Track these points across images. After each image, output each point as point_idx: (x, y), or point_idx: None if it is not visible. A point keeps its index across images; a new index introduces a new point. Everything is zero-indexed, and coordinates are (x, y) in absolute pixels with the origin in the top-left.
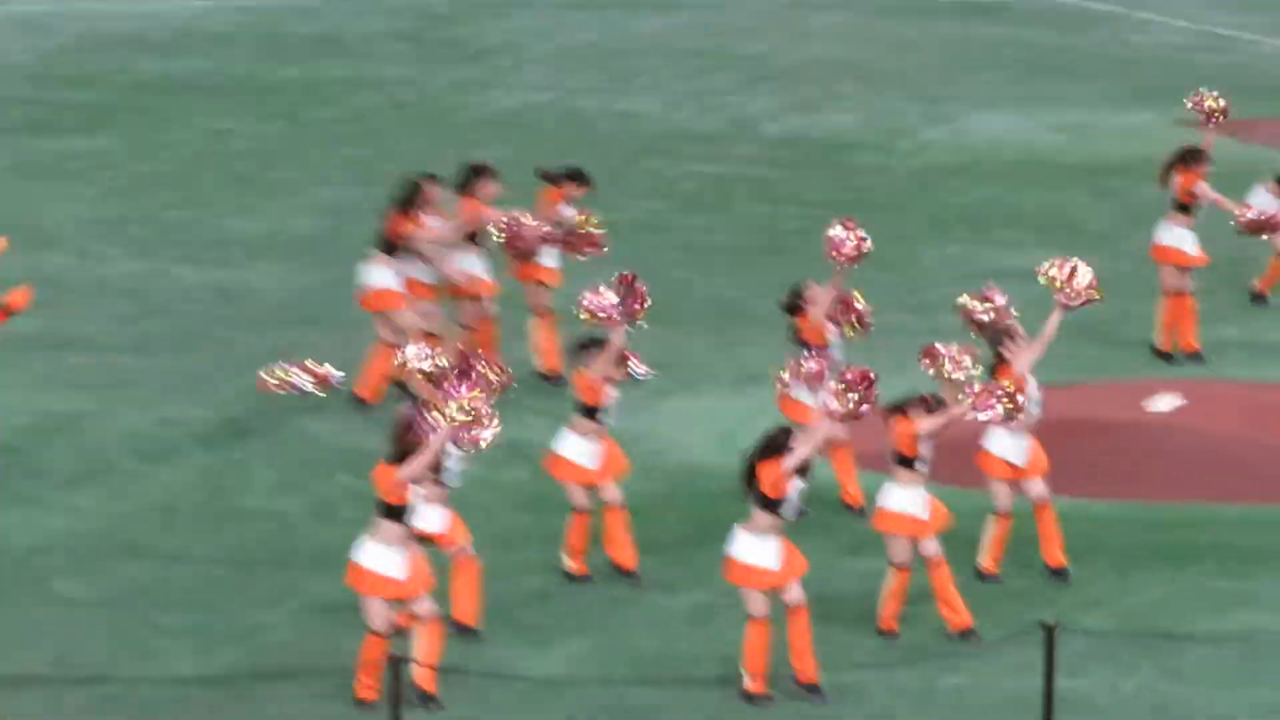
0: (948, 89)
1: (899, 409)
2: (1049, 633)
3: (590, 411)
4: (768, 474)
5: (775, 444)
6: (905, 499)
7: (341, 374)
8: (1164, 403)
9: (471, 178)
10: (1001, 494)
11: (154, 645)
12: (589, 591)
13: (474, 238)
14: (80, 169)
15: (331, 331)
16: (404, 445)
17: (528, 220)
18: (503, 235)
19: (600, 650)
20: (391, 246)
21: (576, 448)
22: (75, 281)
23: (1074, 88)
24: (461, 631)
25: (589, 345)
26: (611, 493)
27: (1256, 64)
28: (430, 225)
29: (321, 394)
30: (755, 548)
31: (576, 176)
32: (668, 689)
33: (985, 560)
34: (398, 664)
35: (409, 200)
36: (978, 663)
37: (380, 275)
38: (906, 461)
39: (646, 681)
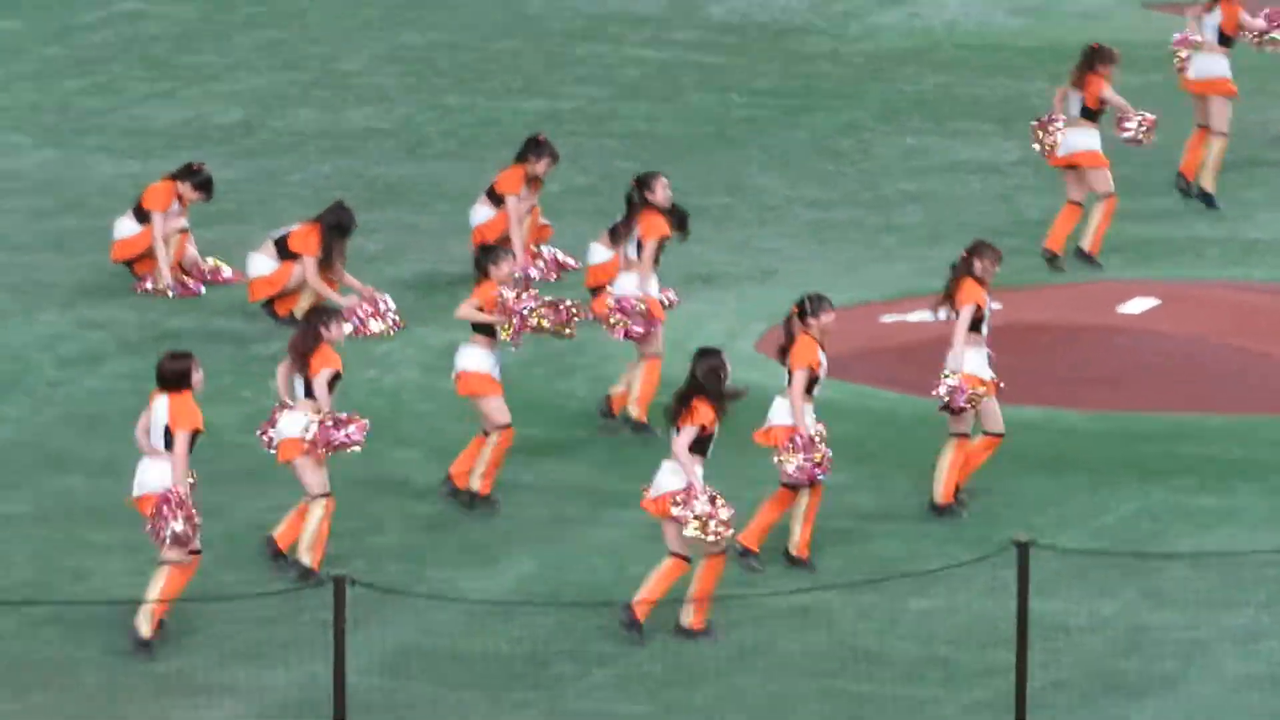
0: None
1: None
2: (1022, 551)
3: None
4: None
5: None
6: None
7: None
8: (1138, 306)
9: (528, 150)
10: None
11: (86, 564)
12: (539, 508)
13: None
14: None
15: (259, 227)
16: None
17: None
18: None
19: (549, 571)
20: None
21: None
22: None
23: None
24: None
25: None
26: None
27: None
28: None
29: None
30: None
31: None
32: (620, 612)
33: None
34: (343, 583)
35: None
36: (947, 584)
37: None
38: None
39: (598, 604)
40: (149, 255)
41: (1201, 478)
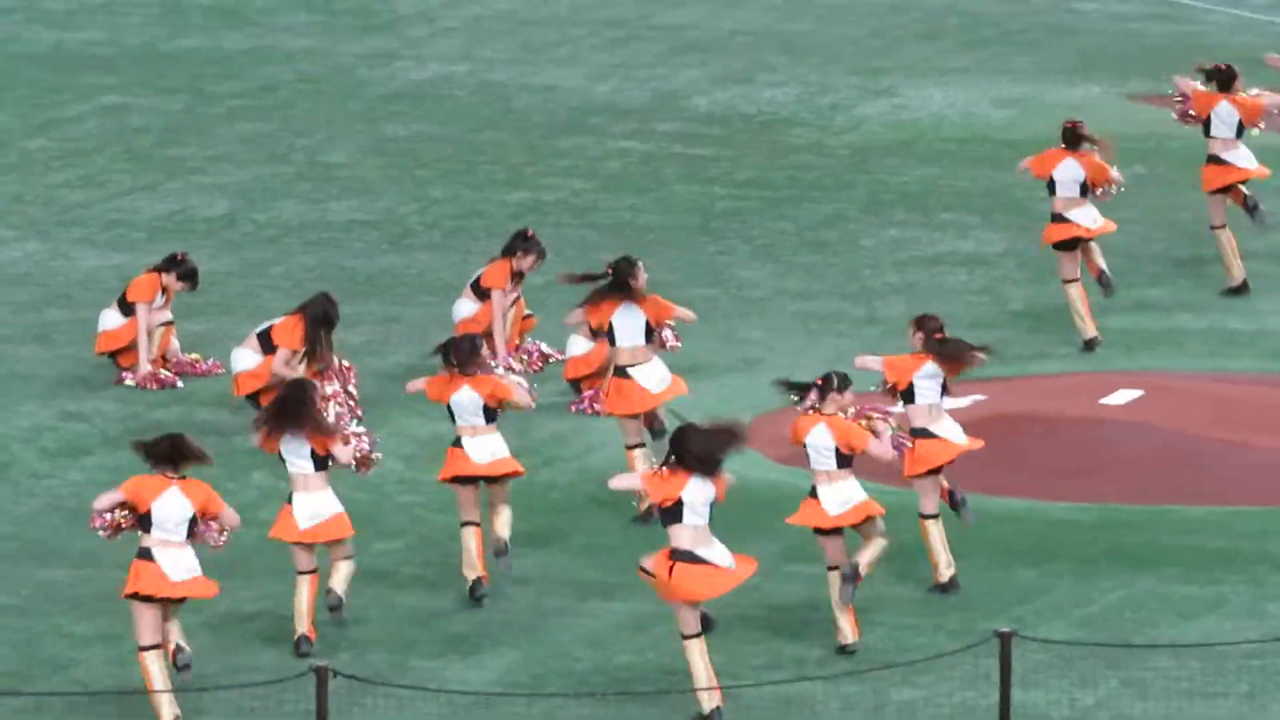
0: (884, 61)
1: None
2: (1005, 642)
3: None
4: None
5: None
6: None
7: None
8: (1121, 398)
9: (515, 245)
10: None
11: (67, 655)
12: (522, 599)
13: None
14: None
15: (244, 319)
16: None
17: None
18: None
19: (533, 661)
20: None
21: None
22: None
23: (1018, 59)
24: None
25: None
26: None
27: (1208, 34)
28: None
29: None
30: None
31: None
32: (603, 703)
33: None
34: (325, 674)
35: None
36: (931, 674)
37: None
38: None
39: (581, 694)
40: (133, 348)
41: (1184, 568)
